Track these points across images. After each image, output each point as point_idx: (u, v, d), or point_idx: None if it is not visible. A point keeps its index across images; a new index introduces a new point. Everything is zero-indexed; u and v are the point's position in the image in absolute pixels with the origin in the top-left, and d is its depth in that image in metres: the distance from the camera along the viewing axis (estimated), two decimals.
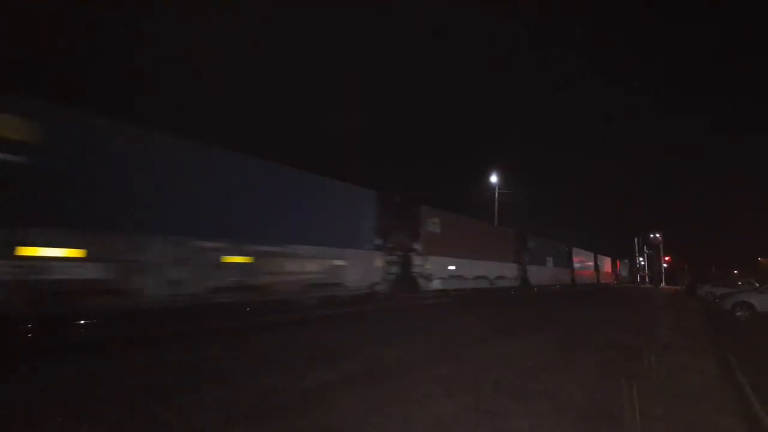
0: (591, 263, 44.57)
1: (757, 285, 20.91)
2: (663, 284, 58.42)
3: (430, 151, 64.90)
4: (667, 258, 65.20)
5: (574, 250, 37.48)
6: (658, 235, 66.29)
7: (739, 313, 14.14)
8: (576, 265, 37.53)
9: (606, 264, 51.43)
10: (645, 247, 69.94)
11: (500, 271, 23.45)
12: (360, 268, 13.18)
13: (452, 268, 18.67)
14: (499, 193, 34.52)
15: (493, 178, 34.96)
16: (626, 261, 67.06)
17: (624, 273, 61.01)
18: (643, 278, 69.61)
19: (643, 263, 72.03)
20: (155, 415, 3.89)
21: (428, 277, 16.77)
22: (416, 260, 16.27)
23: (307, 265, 11.30)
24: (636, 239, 70.55)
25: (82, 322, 7.60)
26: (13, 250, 6.18)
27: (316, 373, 5.41)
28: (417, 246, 16.41)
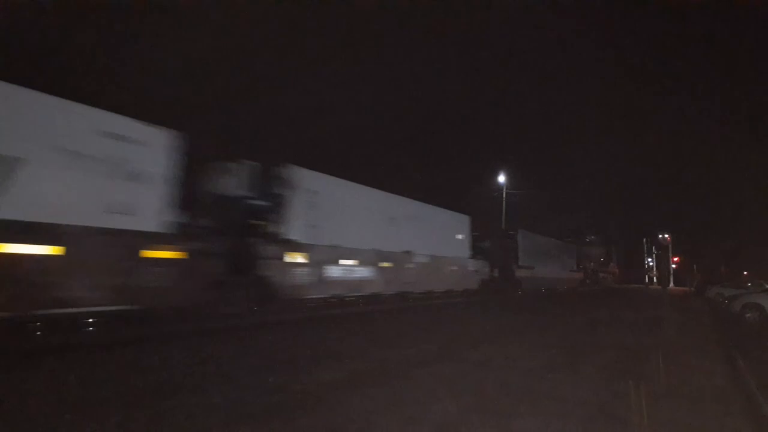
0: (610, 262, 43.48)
1: (767, 286, 20.66)
2: (672, 285, 57.91)
3: (433, 150, 64.78)
4: (676, 258, 64.54)
5: (582, 250, 37.00)
6: (667, 236, 65.66)
7: (748, 315, 13.98)
8: (586, 264, 37.00)
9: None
10: (654, 248, 69.35)
11: (442, 269, 17.30)
12: (93, 266, 7.11)
13: (350, 263, 12.67)
14: (506, 193, 34.32)
15: (501, 178, 34.79)
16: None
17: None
18: (651, 279, 69.03)
19: (651, 264, 71.44)
20: (160, 414, 3.91)
21: (296, 278, 10.77)
22: (268, 250, 10.18)
23: None
24: (644, 240, 69.98)
25: (90, 320, 7.67)
26: None
27: (320, 372, 5.43)
28: (273, 225, 10.50)
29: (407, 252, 15.15)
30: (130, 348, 6.71)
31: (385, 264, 14.13)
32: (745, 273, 44.91)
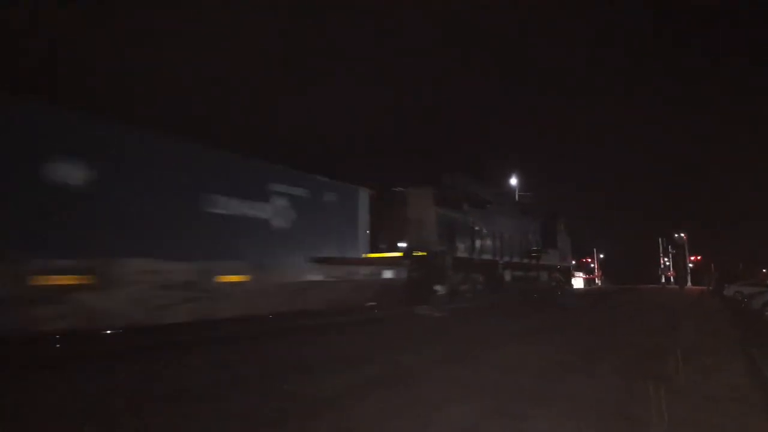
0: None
1: None
2: (689, 285, 56.87)
3: (444, 149, 64.57)
4: (698, 257, 63.32)
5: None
6: (683, 235, 64.63)
7: None
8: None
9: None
10: (669, 248, 68.28)
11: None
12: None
13: None
14: (519, 196, 34.06)
15: (513, 181, 34.59)
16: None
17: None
18: (668, 278, 67.89)
19: (668, 263, 70.29)
20: (175, 422, 3.94)
21: None
22: None
23: None
24: (660, 239, 68.90)
25: (108, 332, 7.76)
26: None
27: (334, 378, 5.44)
28: None
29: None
30: (147, 356, 6.77)
31: None
32: (764, 271, 44.00)
